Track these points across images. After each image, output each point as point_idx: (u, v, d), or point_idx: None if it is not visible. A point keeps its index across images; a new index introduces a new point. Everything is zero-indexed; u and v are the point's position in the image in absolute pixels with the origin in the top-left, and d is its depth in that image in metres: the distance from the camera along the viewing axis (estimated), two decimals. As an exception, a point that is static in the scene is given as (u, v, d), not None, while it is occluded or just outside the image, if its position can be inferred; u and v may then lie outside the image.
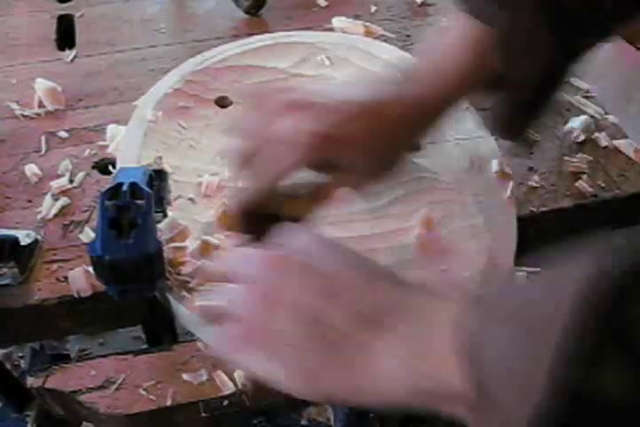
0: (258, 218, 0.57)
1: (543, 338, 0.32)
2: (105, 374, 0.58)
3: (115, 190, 0.51)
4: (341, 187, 0.58)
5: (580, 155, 0.75)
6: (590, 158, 0.75)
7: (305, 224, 0.57)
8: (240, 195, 0.58)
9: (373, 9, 0.91)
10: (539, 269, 0.57)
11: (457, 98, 0.58)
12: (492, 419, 0.34)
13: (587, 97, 0.81)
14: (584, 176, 0.73)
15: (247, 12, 0.90)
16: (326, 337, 0.41)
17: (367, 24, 0.86)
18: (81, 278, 0.60)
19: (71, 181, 0.69)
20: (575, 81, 0.83)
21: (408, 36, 0.86)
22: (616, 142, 0.76)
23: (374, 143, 0.55)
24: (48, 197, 0.67)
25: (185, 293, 0.58)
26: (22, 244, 0.61)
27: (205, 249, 0.61)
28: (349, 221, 0.64)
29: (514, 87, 0.55)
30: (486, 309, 0.37)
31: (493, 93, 0.58)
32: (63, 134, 0.74)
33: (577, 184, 0.72)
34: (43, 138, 0.73)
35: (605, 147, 0.76)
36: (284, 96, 0.57)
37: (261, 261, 0.46)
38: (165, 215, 0.61)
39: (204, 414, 0.57)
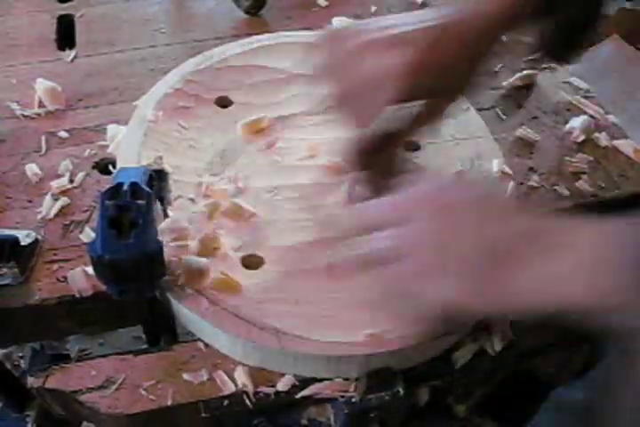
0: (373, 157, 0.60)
1: None
2: (105, 374, 0.58)
3: (115, 190, 0.51)
4: (435, 112, 0.60)
5: (579, 155, 0.75)
6: (590, 158, 0.75)
7: None
8: (353, 138, 0.59)
9: (373, 9, 0.91)
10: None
11: (512, 18, 0.59)
12: None
13: (587, 97, 0.81)
14: (584, 176, 0.73)
15: (247, 12, 0.90)
16: (503, 255, 0.46)
17: (367, 24, 0.86)
18: (81, 278, 0.60)
19: (71, 181, 0.69)
20: (575, 81, 0.83)
21: (408, 36, 0.86)
22: (616, 142, 0.76)
23: (462, 61, 0.57)
24: (48, 197, 0.67)
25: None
26: (22, 244, 0.61)
27: (205, 247, 0.61)
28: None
29: (560, 11, 0.57)
30: None
31: (537, 20, 0.59)
32: (63, 134, 0.74)
33: (577, 184, 0.72)
34: (43, 138, 0.73)
35: (605, 147, 0.76)
36: (362, 36, 0.57)
37: (417, 202, 0.50)
38: (166, 215, 0.61)
39: (204, 414, 0.57)
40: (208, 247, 0.61)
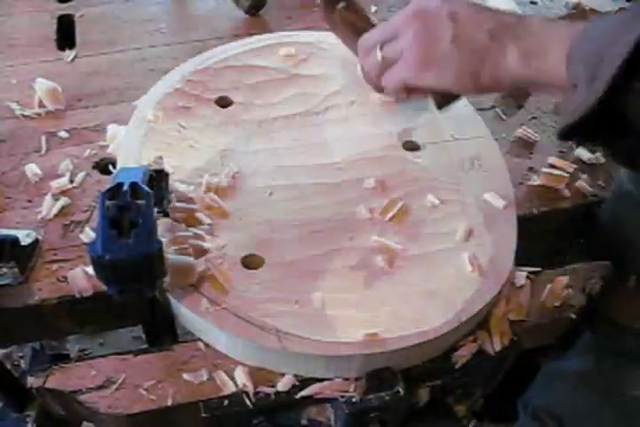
0: None
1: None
2: (105, 374, 0.58)
3: (115, 190, 0.51)
4: None
5: (579, 155, 0.75)
6: (591, 157, 0.75)
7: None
8: None
9: (374, 9, 0.91)
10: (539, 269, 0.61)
11: None
12: (574, 95, 0.50)
13: (587, 97, 0.81)
14: (584, 176, 0.73)
15: (247, 12, 0.90)
16: (474, 51, 0.59)
17: (367, 24, 0.86)
18: (81, 278, 0.60)
19: (71, 181, 0.69)
20: (575, 81, 0.83)
21: (408, 36, 0.86)
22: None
23: None
24: (48, 197, 0.67)
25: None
26: (22, 244, 0.61)
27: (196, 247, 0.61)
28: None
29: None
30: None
31: None
32: (63, 134, 0.74)
33: (577, 184, 0.72)
34: (43, 138, 0.73)
35: (605, 147, 0.76)
36: None
37: (399, 22, 0.63)
38: (166, 215, 0.61)
39: (204, 415, 0.57)
40: (198, 246, 0.61)
